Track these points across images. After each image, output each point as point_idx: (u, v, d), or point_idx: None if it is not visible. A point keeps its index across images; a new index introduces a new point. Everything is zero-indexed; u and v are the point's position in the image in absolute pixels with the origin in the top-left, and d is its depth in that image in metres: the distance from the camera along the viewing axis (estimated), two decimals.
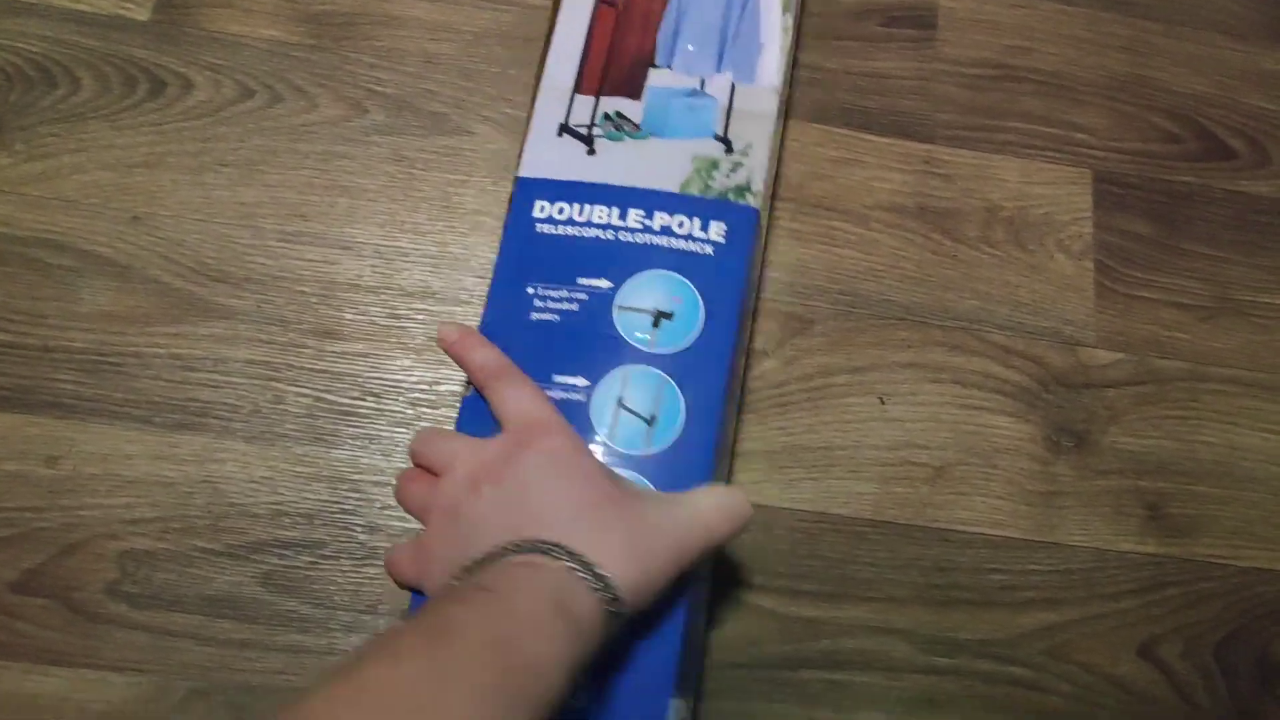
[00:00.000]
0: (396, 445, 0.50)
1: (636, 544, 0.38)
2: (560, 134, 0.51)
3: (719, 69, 0.53)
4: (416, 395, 0.51)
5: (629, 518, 0.39)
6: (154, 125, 0.55)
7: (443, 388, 0.51)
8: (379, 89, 0.57)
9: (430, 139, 0.56)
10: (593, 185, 0.50)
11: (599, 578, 0.36)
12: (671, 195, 0.50)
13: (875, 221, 0.57)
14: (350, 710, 0.28)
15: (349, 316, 0.52)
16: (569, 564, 0.36)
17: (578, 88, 0.53)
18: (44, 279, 0.51)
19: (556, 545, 0.36)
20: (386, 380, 0.51)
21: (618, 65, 0.53)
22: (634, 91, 0.53)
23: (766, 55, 0.54)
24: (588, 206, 0.49)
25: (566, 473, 0.40)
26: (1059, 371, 0.55)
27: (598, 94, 0.53)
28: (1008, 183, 0.58)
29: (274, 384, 0.50)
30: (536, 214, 0.49)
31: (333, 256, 0.53)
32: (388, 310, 0.52)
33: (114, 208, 0.53)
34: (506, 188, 0.51)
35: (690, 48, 0.54)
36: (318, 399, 0.50)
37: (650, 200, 0.49)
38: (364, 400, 0.51)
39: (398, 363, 0.51)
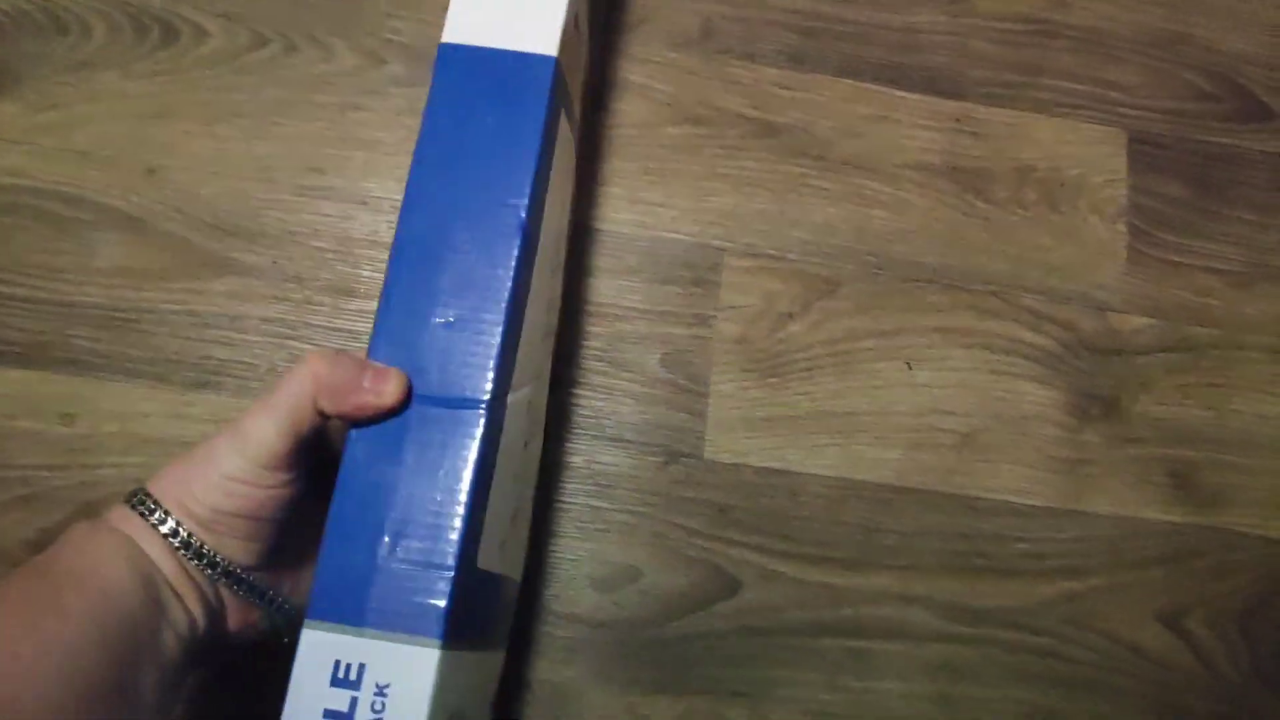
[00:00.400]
0: None
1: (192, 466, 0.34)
2: None
3: None
4: None
5: (196, 448, 0.35)
6: (167, 74, 0.54)
7: None
8: (397, 39, 0.55)
9: None
10: None
11: (143, 500, 0.34)
12: None
13: (906, 181, 0.55)
14: None
15: (366, 273, 0.51)
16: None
17: None
18: (59, 232, 0.50)
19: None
20: None
21: None
22: None
23: None
24: None
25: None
26: (1089, 337, 0.54)
27: None
28: (1041, 142, 0.57)
29: (290, 342, 0.50)
30: None
31: (350, 211, 0.52)
32: None
33: (128, 160, 0.52)
34: None
35: None
36: None
37: None
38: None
39: None
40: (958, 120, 0.57)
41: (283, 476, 0.34)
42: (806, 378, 0.52)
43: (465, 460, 0.34)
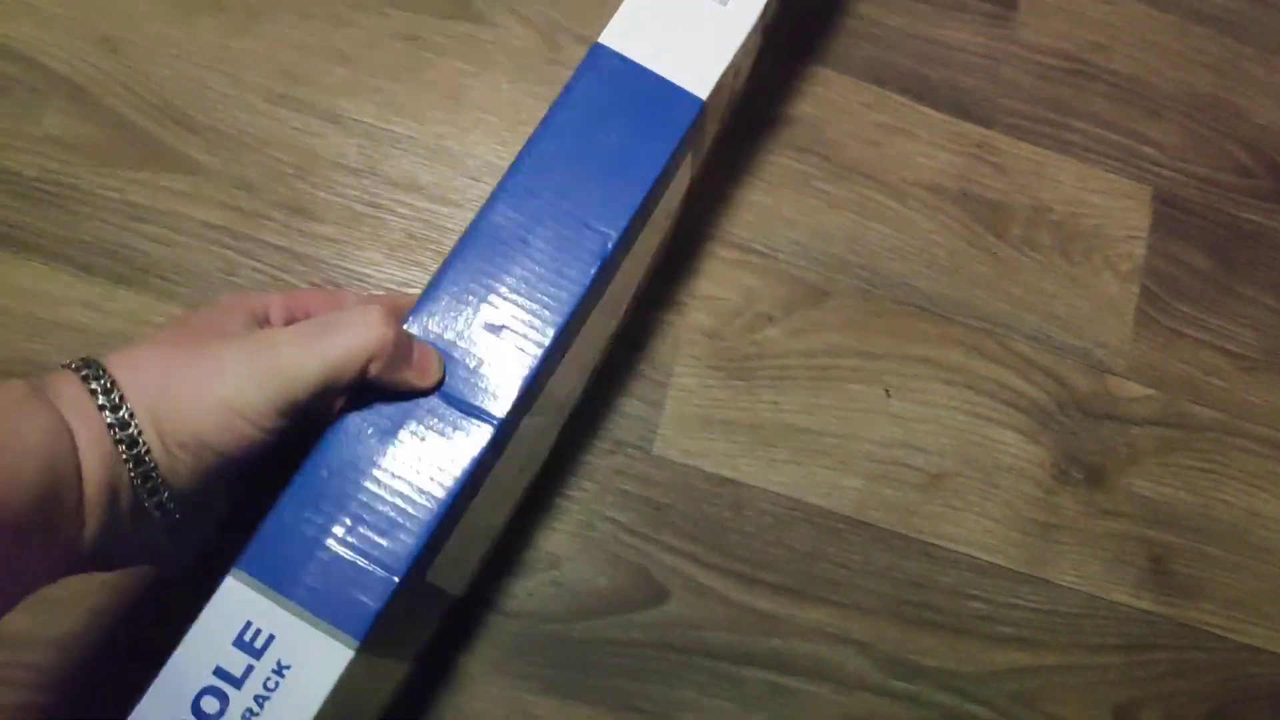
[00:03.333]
0: None
1: (168, 367, 0.29)
2: None
3: None
4: (382, 293, 0.46)
5: (185, 346, 0.30)
6: None
7: (414, 290, 0.46)
8: None
9: (449, 22, 0.51)
10: None
11: (99, 377, 0.28)
12: None
13: (913, 199, 0.52)
14: None
15: (323, 195, 0.47)
16: (74, 367, 0.28)
17: None
18: None
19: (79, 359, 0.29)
20: (352, 271, 0.46)
21: None
22: None
23: None
24: None
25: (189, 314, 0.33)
26: (1082, 396, 0.50)
27: None
28: (1063, 184, 0.53)
29: (228, 252, 0.46)
30: None
31: (318, 128, 0.48)
32: (367, 197, 0.47)
33: (84, 24, 0.48)
34: (523, 87, 0.46)
35: None
36: (273, 278, 0.46)
37: None
38: (323, 289, 0.46)
39: (367, 254, 0.47)
40: (979, 146, 0.53)
41: (285, 424, 0.29)
42: (776, 386, 0.48)
43: (456, 470, 0.31)
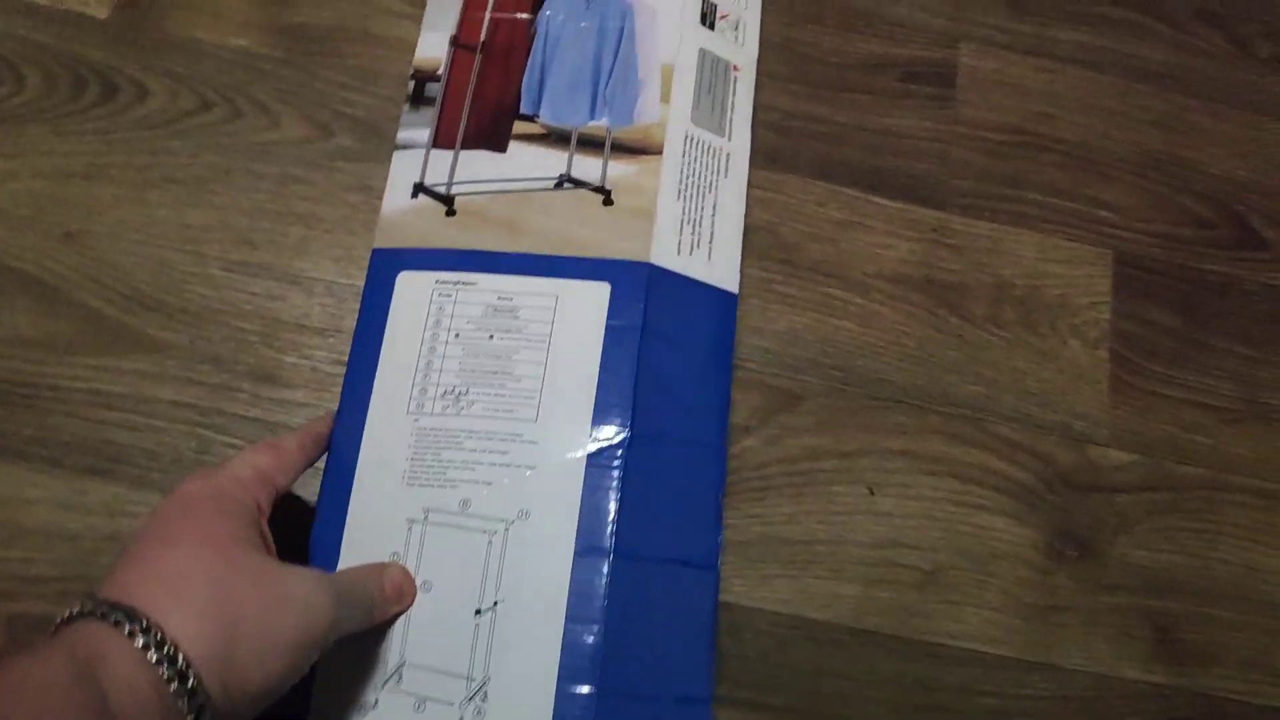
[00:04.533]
0: None
1: (232, 609, 0.28)
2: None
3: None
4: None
5: (233, 570, 0.30)
6: (100, 133, 0.50)
7: None
8: (349, 111, 0.52)
9: None
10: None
11: (160, 644, 0.26)
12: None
13: (877, 292, 0.52)
14: None
15: (290, 360, 0.47)
16: (114, 622, 0.26)
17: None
18: None
19: (107, 603, 0.27)
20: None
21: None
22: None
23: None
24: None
25: (180, 515, 0.32)
26: (1065, 471, 0.50)
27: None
28: (1023, 258, 0.54)
29: (200, 430, 0.46)
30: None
31: (279, 291, 0.48)
32: (334, 356, 0.47)
33: (46, 221, 0.48)
34: None
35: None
36: None
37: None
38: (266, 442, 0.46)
39: None
40: (935, 230, 0.54)
41: None
42: (759, 499, 0.47)
43: None
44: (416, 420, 0.41)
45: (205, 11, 0.53)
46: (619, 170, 0.46)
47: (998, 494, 0.49)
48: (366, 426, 0.42)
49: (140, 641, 0.26)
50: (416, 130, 0.48)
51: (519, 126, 0.47)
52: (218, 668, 0.27)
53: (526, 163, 0.46)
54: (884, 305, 0.52)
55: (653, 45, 0.48)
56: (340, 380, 0.45)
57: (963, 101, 0.57)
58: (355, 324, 0.45)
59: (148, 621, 0.27)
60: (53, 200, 0.49)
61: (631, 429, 0.41)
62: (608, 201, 0.45)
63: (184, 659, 0.27)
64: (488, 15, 0.49)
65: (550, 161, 0.46)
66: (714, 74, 0.49)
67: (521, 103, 0.48)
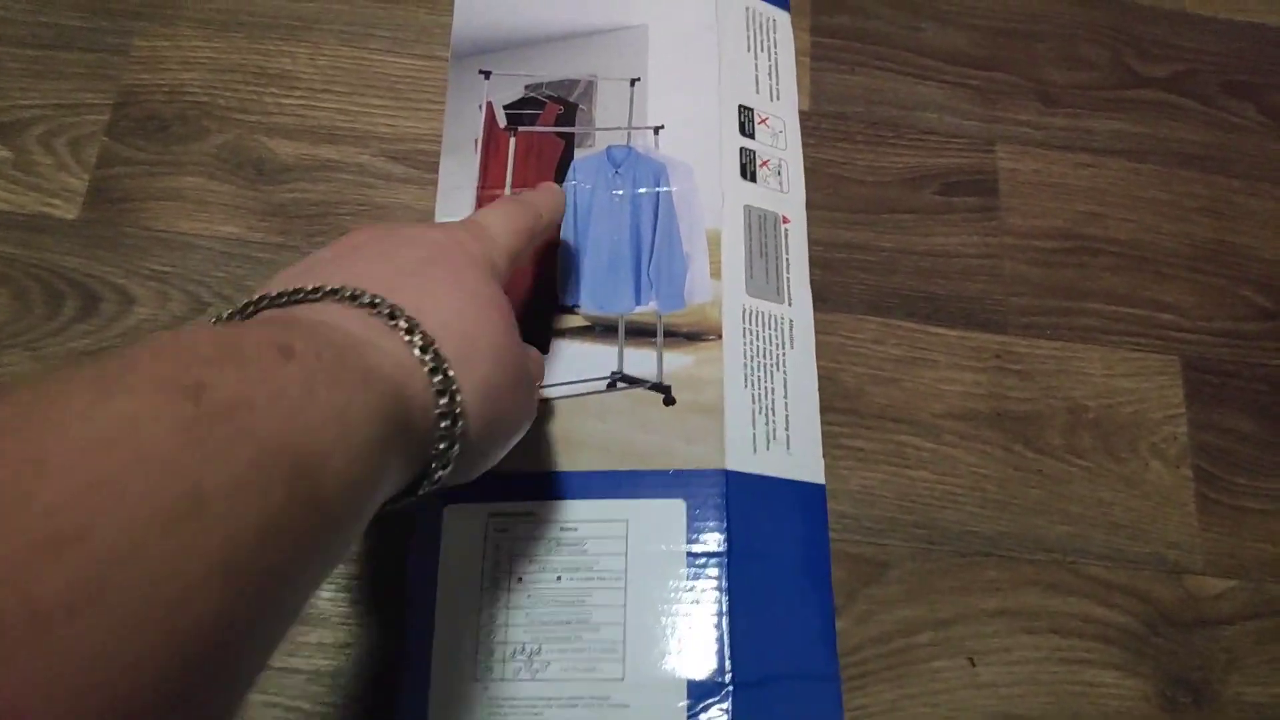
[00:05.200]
0: None
1: (476, 342, 0.26)
2: None
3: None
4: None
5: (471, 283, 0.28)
6: (86, 352, 0.45)
7: None
8: None
9: None
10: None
11: (425, 347, 0.24)
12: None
13: (948, 433, 0.49)
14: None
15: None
16: (383, 320, 0.24)
17: None
18: None
19: (365, 293, 0.24)
20: None
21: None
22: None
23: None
24: None
25: (413, 243, 0.29)
26: (1167, 608, 0.47)
27: None
28: (1091, 376, 0.51)
29: None
30: None
31: None
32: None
33: None
34: None
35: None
36: None
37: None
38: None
39: None
40: (998, 356, 0.51)
41: None
42: (859, 689, 0.44)
43: None
44: (486, 689, 0.37)
45: (185, 199, 0.48)
46: (676, 362, 0.41)
47: (1102, 644, 0.46)
48: (431, 697, 0.37)
49: (405, 336, 0.24)
50: None
51: (559, 319, 0.43)
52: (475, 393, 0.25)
53: (574, 363, 0.41)
54: (957, 447, 0.49)
55: (693, 209, 0.44)
56: None
57: (1007, 209, 0.54)
58: (406, 573, 0.41)
59: (408, 317, 0.24)
60: None
61: (733, 679, 0.37)
62: (669, 400, 0.41)
63: (447, 363, 0.24)
64: (507, 194, 0.45)
65: (599, 359, 0.41)
66: (764, 232, 0.45)
67: (560, 292, 0.44)
